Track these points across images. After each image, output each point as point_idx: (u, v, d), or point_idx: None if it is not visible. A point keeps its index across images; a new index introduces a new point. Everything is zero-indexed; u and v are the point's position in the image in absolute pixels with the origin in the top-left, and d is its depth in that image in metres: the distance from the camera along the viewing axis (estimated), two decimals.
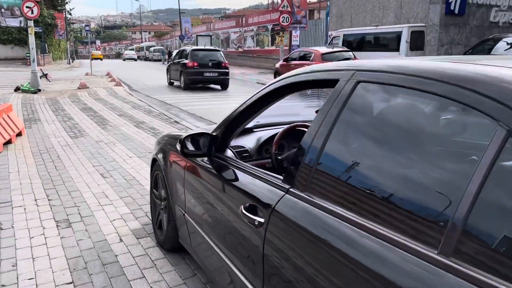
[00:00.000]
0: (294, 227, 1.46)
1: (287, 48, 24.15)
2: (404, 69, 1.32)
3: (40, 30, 37.02)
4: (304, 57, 14.95)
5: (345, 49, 15.09)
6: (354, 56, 14.40)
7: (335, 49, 14.76)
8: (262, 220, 1.62)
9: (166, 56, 42.26)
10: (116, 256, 3.13)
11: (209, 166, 2.28)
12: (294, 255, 1.44)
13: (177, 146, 2.29)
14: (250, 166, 1.97)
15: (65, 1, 46.81)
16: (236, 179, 2.00)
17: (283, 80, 1.90)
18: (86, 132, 7.88)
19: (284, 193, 1.58)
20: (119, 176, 5.11)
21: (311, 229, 1.37)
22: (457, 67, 1.22)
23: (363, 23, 19.99)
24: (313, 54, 14.49)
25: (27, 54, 14.80)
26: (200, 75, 15.44)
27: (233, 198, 1.98)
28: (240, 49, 34.88)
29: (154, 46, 55.66)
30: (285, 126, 2.53)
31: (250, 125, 2.72)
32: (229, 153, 2.36)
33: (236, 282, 1.89)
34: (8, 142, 6.78)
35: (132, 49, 60.36)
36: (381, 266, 1.09)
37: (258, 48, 31.94)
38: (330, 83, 1.61)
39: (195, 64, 15.38)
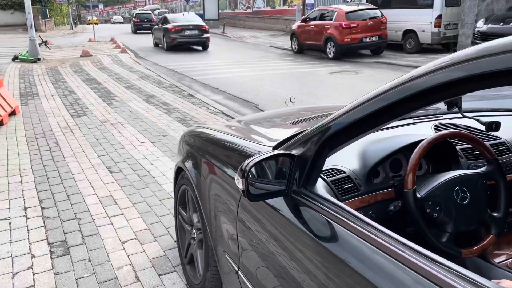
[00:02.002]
0: None
1: (302, 7, 22.54)
2: None
3: None
4: (326, 17, 13.56)
5: (371, 6, 13.65)
6: (382, 14, 13.01)
7: (360, 7, 13.34)
8: None
9: None
10: None
11: (290, 213, 1.28)
12: None
13: (237, 182, 1.26)
14: (398, 238, 0.93)
15: None
16: (361, 261, 0.98)
17: (475, 63, 0.76)
18: (90, 109, 6.87)
19: None
20: (130, 170, 4.14)
21: None
22: None
23: None
24: (335, 13, 13.08)
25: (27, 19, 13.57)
26: (140, 26, 28.86)
27: None
28: (249, 10, 33.02)
29: (159, 9, 53.57)
30: (427, 138, 1.43)
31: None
32: (320, 184, 1.32)
33: None
34: None
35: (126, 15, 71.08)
36: None
37: (268, 8, 30.10)
38: None
39: (138, 20, 29.16)
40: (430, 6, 12.47)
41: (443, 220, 1.33)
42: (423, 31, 12.56)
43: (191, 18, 17.92)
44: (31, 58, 13.22)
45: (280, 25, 25.92)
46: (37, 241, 2.87)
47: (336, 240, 1.11)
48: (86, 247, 2.79)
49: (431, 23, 12.37)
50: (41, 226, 3.07)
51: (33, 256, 2.70)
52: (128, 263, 2.60)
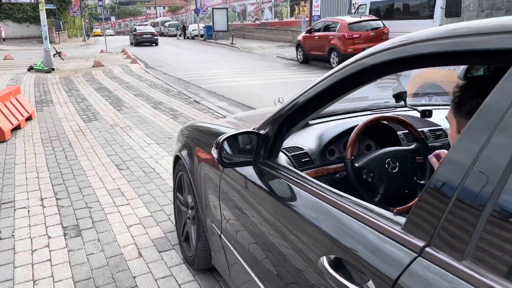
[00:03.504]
0: None
1: (308, 19, 23.01)
2: None
3: (54, 7, 36.42)
4: (329, 28, 13.95)
5: (373, 17, 14.01)
6: (384, 25, 13.37)
7: (362, 18, 13.71)
8: None
9: (181, 31, 41.43)
10: (134, 278, 2.53)
11: (257, 179, 1.61)
12: None
13: (212, 152, 1.61)
14: (333, 190, 1.26)
15: None
16: (308, 209, 1.30)
17: (380, 54, 1.12)
18: (101, 115, 7.28)
19: (415, 255, 0.88)
20: (137, 167, 4.50)
21: None
22: None
23: None
24: (338, 24, 13.48)
25: (42, 31, 14.11)
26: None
27: (303, 240, 1.28)
28: (257, 22, 33.64)
29: (169, 21, 54.64)
30: (364, 120, 1.80)
31: None
32: (282, 158, 1.67)
33: None
34: (17, 127, 6.24)
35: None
36: None
37: (276, 20, 30.66)
38: (498, 57, 0.87)
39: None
40: (431, 17, 12.81)
41: (376, 184, 1.66)
42: None
43: (148, 28, 32.80)
44: (45, 68, 13.78)
45: (288, 36, 26.40)
46: (53, 225, 3.22)
47: (291, 197, 1.43)
48: (96, 230, 3.14)
49: None
50: (56, 213, 3.43)
51: (49, 237, 3.05)
52: (133, 242, 2.94)
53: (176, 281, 2.50)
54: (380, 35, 13.09)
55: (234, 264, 1.86)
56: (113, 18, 76.64)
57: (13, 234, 3.10)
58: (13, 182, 4.16)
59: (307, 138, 1.90)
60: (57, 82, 11.55)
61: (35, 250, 2.87)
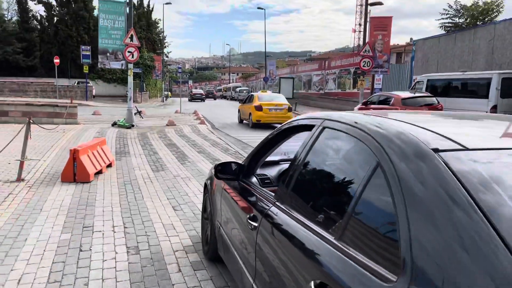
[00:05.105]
0: (275, 230, 1.96)
1: (369, 91, 23.93)
2: (346, 120, 1.85)
3: (140, 71, 40.99)
4: (384, 101, 14.70)
5: (428, 94, 14.59)
6: (438, 102, 13.85)
7: (417, 94, 14.36)
8: (256, 224, 2.19)
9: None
10: (173, 285, 3.38)
11: (237, 188, 2.77)
12: (274, 251, 1.95)
13: (211, 170, 2.79)
14: (262, 188, 2.45)
15: (164, 45, 51.36)
16: (250, 197, 2.47)
17: (287, 124, 2.48)
18: (167, 166, 8.52)
19: (272, 205, 2.14)
20: (188, 209, 5.47)
21: (284, 232, 1.87)
22: (376, 121, 1.71)
23: (450, 68, 19.27)
24: (393, 99, 14.20)
25: (127, 92, 16.66)
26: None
27: (244, 211, 2.46)
28: (321, 91, 35.22)
29: (240, 86, 58.48)
30: None
31: (277, 158, 3.36)
32: (254, 179, 2.80)
33: (246, 283, 2.38)
34: (99, 172, 7.59)
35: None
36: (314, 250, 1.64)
37: (339, 90, 32.02)
38: (310, 128, 2.12)
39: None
40: (486, 96, 13.14)
41: None
42: None
43: (199, 90, 53.26)
44: (126, 125, 15.81)
45: (349, 106, 27.38)
46: (119, 245, 4.21)
47: (249, 197, 2.48)
48: (150, 251, 4.07)
49: (486, 112, 12.95)
50: (123, 237, 4.43)
51: (116, 252, 4.02)
52: (176, 262, 3.82)
53: None
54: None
55: (224, 242, 2.98)
56: (190, 82, 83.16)
57: (91, 248, 4.12)
58: (93, 213, 5.29)
59: (273, 170, 3.10)
60: (135, 137, 13.28)
61: (105, 260, 3.84)
